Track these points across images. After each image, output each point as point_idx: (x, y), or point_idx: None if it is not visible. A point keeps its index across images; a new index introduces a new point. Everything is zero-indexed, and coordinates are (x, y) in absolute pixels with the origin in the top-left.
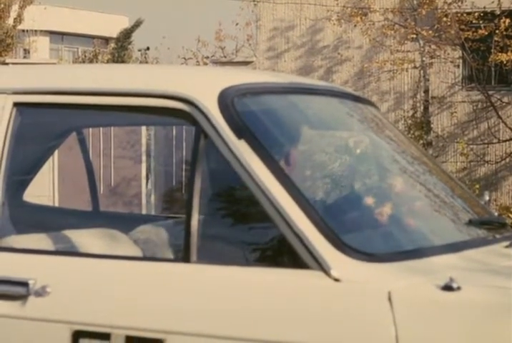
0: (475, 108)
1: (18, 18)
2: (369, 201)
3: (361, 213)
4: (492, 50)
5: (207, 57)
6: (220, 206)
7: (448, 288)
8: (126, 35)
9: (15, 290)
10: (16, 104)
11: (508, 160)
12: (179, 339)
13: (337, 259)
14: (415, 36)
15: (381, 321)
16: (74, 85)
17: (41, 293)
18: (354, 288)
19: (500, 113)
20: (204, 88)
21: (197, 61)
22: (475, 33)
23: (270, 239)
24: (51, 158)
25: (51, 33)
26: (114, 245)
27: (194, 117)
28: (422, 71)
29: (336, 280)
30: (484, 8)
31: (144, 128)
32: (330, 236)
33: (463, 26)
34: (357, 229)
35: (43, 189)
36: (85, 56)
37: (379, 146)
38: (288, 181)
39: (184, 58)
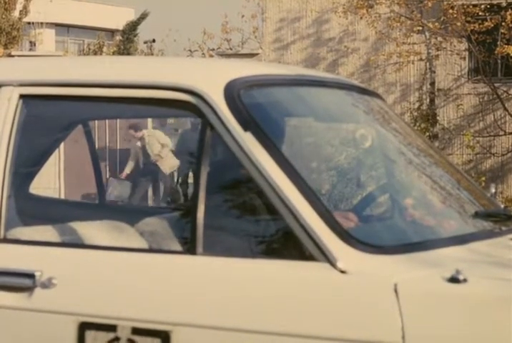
0: (481, 100)
1: (24, 11)
2: (375, 193)
3: (367, 205)
4: (498, 42)
5: (213, 49)
6: (226, 198)
7: (454, 280)
8: (132, 27)
9: (21, 282)
10: (22, 96)
11: None
12: (186, 331)
13: (343, 250)
14: (421, 28)
15: (387, 312)
16: (79, 77)
17: (47, 285)
18: (360, 280)
19: (506, 105)
20: (210, 80)
21: (203, 54)
22: (481, 26)
23: (276, 231)
24: (57, 151)
25: (56, 25)
26: (120, 237)
27: (200, 109)
28: (428, 63)
29: (342, 272)
30: (490, 0)
31: (149, 120)
32: (337, 228)
33: (469, 18)
34: (363, 220)
35: (49, 181)
36: (89, 49)
37: (385, 138)
38: (295, 173)
39: (190, 51)
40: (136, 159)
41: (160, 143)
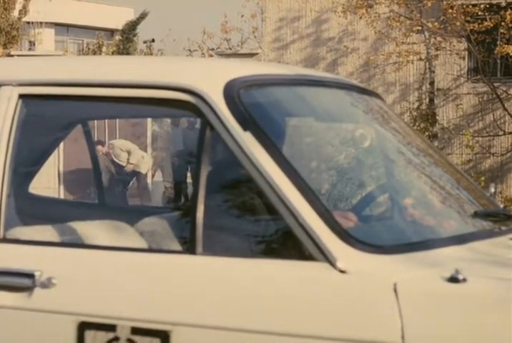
0: (480, 100)
1: (24, 10)
2: (375, 193)
3: (367, 205)
4: (498, 42)
5: (213, 49)
6: (226, 198)
7: (453, 280)
8: (132, 27)
9: (21, 282)
10: (21, 96)
11: None
12: (185, 331)
13: (343, 250)
14: (420, 27)
15: (387, 312)
16: (79, 77)
17: (46, 284)
18: (360, 279)
19: (505, 105)
20: (209, 79)
21: (203, 53)
22: (480, 25)
23: (276, 231)
24: (56, 151)
25: (56, 25)
26: (120, 237)
27: (200, 109)
28: (427, 63)
29: (342, 272)
30: (490, 0)
31: (149, 120)
32: (336, 227)
33: (468, 18)
34: (362, 220)
35: (49, 181)
36: (89, 49)
37: (385, 138)
38: (294, 172)
39: (190, 50)
40: (109, 173)
41: (126, 151)
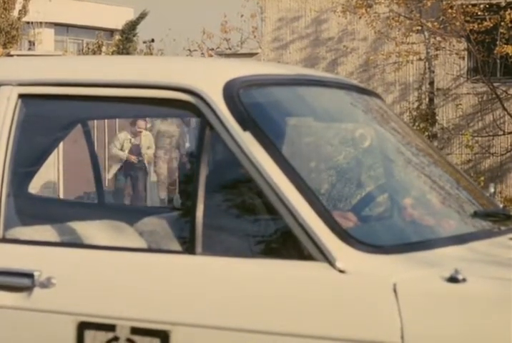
0: (480, 100)
1: (23, 10)
2: (374, 192)
3: (366, 205)
4: (497, 42)
5: (212, 49)
6: (225, 198)
7: (453, 279)
8: (132, 27)
9: (20, 281)
10: (21, 96)
11: None
12: (185, 331)
13: (342, 250)
14: (420, 27)
15: (386, 312)
16: (78, 76)
17: (46, 284)
18: (359, 279)
19: (505, 105)
20: (209, 79)
21: (202, 53)
22: (480, 25)
23: (275, 231)
24: (56, 150)
25: (55, 25)
26: (120, 237)
27: (200, 109)
28: (427, 63)
29: (341, 272)
30: None
31: (148, 120)
32: (336, 227)
33: (468, 18)
34: (362, 220)
35: (49, 180)
36: (88, 48)
37: (384, 137)
38: (294, 172)
39: (189, 50)
40: (117, 161)
41: (148, 145)
